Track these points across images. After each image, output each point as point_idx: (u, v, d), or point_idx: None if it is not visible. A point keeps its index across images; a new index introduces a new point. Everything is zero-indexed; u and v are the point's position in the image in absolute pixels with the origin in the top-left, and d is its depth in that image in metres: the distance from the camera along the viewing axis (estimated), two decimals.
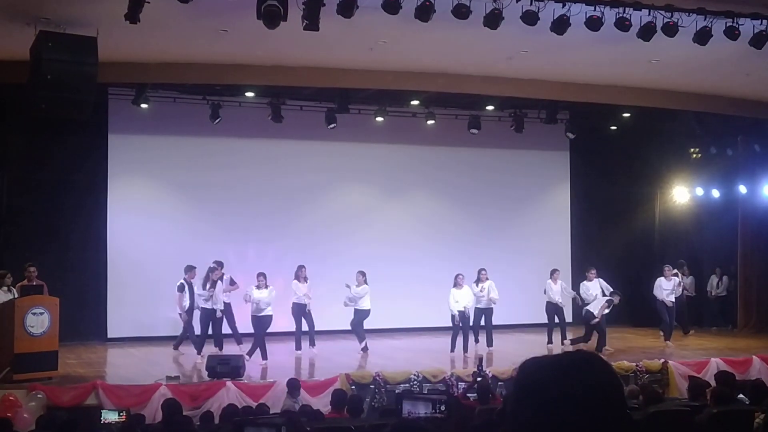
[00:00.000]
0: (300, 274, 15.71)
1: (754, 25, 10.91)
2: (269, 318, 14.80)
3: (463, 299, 15.71)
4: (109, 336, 16.92)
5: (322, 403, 11.20)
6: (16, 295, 13.03)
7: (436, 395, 8.59)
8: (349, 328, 16.99)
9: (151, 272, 17.05)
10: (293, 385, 11.23)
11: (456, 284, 15.81)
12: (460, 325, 15.68)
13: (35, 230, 16.53)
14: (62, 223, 16.67)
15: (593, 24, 10.46)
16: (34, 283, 13.49)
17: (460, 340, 15.70)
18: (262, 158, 18.29)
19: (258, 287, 14.79)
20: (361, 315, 15.77)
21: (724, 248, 19.57)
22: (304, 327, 15.84)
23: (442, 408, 7.81)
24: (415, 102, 18.18)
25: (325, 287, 17.79)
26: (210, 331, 14.97)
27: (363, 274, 15.73)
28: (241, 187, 18.08)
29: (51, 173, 16.81)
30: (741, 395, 8.83)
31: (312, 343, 15.73)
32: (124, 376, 12.99)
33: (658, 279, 16.82)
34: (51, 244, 16.35)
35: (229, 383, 12.06)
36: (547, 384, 1.72)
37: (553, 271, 16.75)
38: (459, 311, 15.62)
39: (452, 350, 15.58)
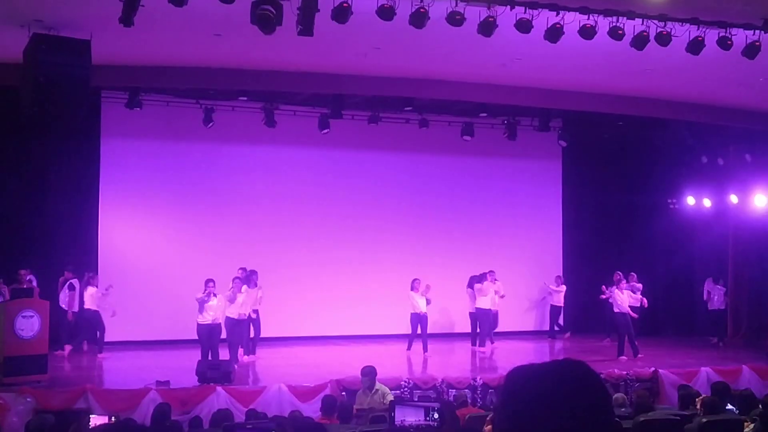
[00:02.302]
0: (252, 279, 15.41)
1: (746, 36, 10.95)
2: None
3: (421, 303, 16.39)
4: None
5: (312, 409, 11.19)
6: (7, 298, 13.01)
7: (429, 403, 8.57)
8: (340, 334, 17.10)
9: (142, 276, 17.02)
10: (366, 371, 10.90)
11: (413, 288, 16.40)
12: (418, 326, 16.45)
13: (26, 233, 16.47)
14: (53, 227, 16.62)
15: (587, 33, 10.48)
16: (25, 287, 13.48)
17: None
18: (255, 162, 18.27)
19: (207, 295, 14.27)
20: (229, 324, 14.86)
21: (715, 257, 19.63)
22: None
23: (435, 416, 7.79)
24: (408, 108, 18.19)
25: (315, 292, 17.81)
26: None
27: (241, 279, 15.09)
28: (233, 191, 18.06)
29: (43, 176, 16.77)
30: (730, 406, 8.85)
31: (251, 351, 15.48)
32: (114, 380, 12.95)
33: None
34: (41, 248, 16.31)
35: (219, 388, 12.01)
36: (530, 390, 1.73)
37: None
38: (415, 313, 16.31)
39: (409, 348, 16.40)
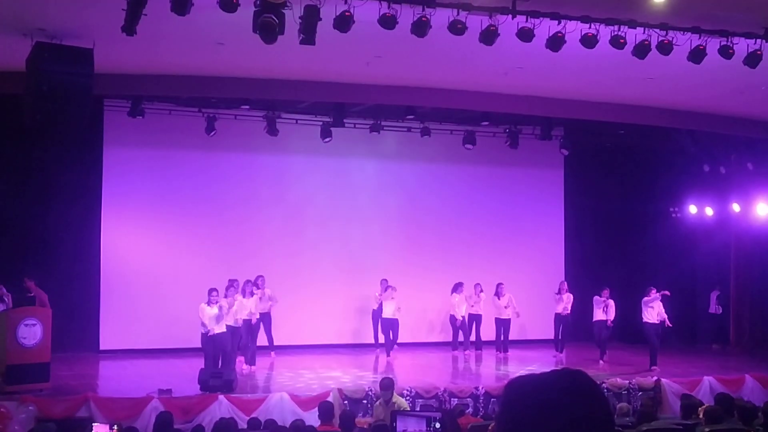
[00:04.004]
0: (246, 288, 15.37)
1: (748, 45, 10.96)
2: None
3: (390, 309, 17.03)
4: (101, 348, 16.87)
5: (314, 417, 11.16)
6: (10, 306, 13.05)
7: (431, 412, 8.56)
8: (343, 342, 17.14)
9: (145, 284, 17.03)
10: (385, 384, 10.63)
11: (385, 294, 17.10)
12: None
13: (28, 241, 16.51)
14: (56, 235, 16.61)
15: (588, 42, 10.49)
16: (32, 294, 13.52)
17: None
18: (257, 171, 18.29)
19: (209, 303, 14.13)
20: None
21: (717, 266, 19.62)
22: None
23: (437, 426, 7.78)
24: (410, 117, 18.20)
25: (318, 300, 17.78)
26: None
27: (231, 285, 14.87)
28: (236, 200, 18.07)
29: (45, 184, 16.78)
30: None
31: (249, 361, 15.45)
32: (116, 389, 12.95)
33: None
34: (44, 256, 16.32)
35: (221, 397, 12.01)
36: (530, 400, 1.73)
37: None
38: (385, 319, 17.01)
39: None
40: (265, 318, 16.23)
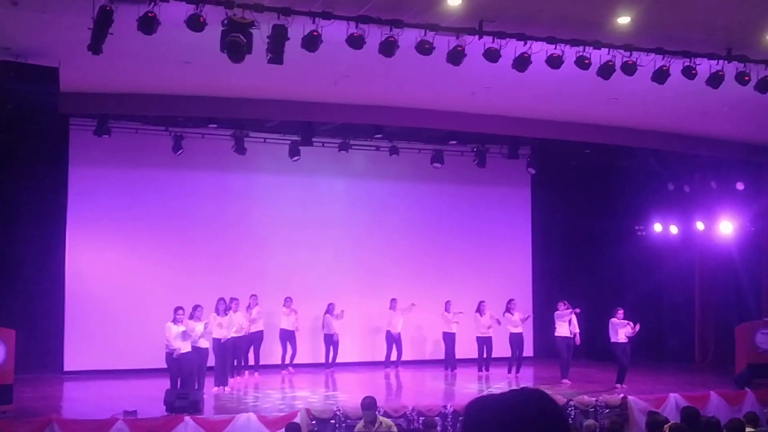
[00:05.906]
0: (219, 308, 15.31)
1: (710, 65, 11.15)
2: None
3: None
4: (65, 369, 16.65)
5: None
6: None
7: None
8: (313, 362, 17.04)
9: (110, 304, 16.85)
10: (367, 404, 9.91)
11: (330, 312, 17.46)
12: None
13: None
14: (20, 254, 16.41)
15: (554, 62, 10.61)
16: None
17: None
18: (225, 190, 18.21)
19: (174, 322, 13.97)
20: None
21: (682, 283, 19.81)
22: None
23: None
24: (378, 135, 18.24)
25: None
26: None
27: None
28: (203, 220, 17.97)
29: (10, 203, 16.58)
30: None
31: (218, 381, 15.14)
32: (81, 410, 12.77)
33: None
34: (8, 275, 16.11)
35: (187, 418, 11.87)
36: (490, 420, 1.74)
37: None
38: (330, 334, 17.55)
39: None
40: (258, 337, 16.55)
